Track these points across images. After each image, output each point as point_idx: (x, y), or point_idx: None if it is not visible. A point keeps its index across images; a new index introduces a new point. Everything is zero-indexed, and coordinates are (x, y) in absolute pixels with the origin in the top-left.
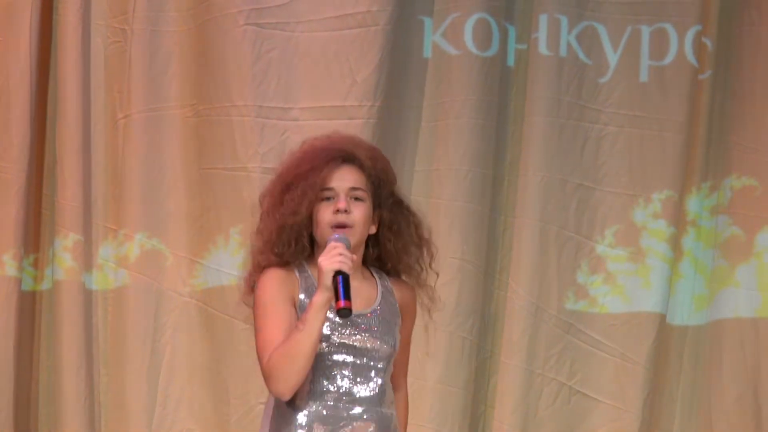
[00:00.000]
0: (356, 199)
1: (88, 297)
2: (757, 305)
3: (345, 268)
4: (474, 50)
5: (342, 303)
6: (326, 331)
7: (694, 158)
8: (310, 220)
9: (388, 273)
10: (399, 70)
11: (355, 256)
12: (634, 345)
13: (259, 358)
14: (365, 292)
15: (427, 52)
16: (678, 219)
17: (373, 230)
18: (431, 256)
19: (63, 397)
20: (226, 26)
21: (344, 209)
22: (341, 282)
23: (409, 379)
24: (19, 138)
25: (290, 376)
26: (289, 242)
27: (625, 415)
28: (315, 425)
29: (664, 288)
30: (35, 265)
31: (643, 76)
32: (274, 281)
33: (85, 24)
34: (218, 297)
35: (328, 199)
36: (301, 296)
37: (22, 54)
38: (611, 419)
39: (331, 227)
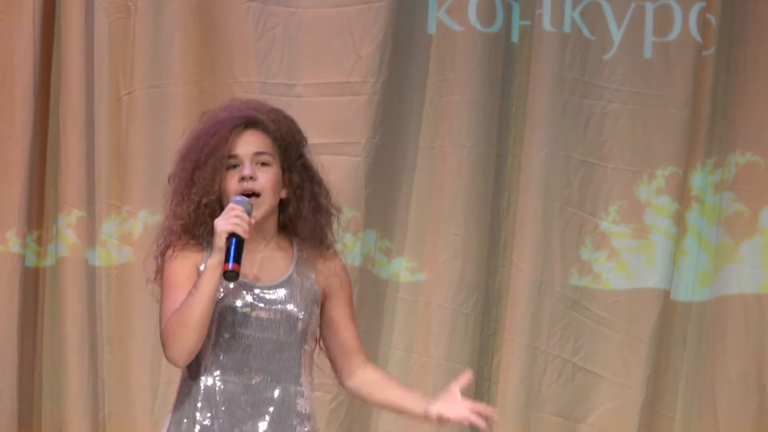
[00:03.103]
0: (263, 164)
1: (91, 274)
2: (761, 281)
3: (239, 231)
4: (478, 26)
5: (229, 265)
6: (231, 302)
7: (698, 134)
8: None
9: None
10: (403, 46)
11: (254, 220)
12: (638, 321)
13: (159, 330)
14: (277, 263)
15: (431, 28)
16: (682, 195)
17: (284, 194)
18: (331, 224)
19: (66, 374)
20: (229, 3)
21: (249, 176)
22: (234, 244)
23: (412, 356)
24: (23, 115)
25: (183, 341)
26: (206, 221)
27: (629, 391)
28: (215, 398)
29: (668, 264)
30: (39, 241)
31: (647, 53)
32: (177, 260)
33: (88, 0)
34: None
35: (234, 167)
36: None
37: (25, 31)
38: (615, 395)
39: (238, 195)
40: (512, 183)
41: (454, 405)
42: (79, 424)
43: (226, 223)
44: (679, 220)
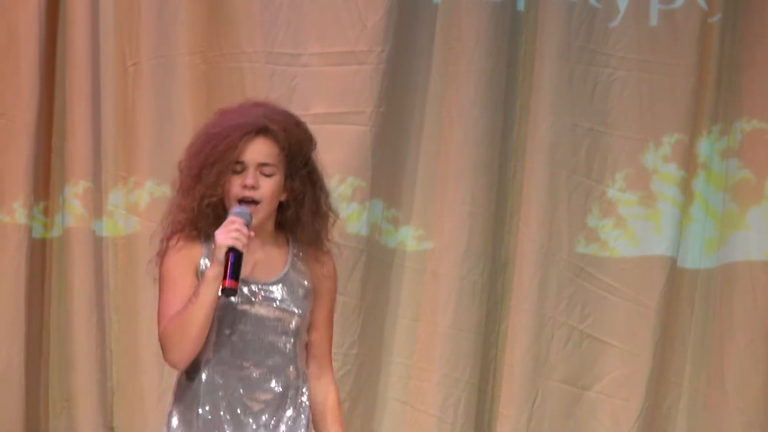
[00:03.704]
0: (266, 175)
1: (98, 244)
2: (767, 248)
3: (239, 245)
4: None
5: (227, 282)
6: (231, 299)
7: (704, 102)
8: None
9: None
10: (409, 15)
11: (252, 234)
12: (645, 288)
13: (158, 327)
14: (273, 260)
15: None
16: (688, 162)
17: (284, 198)
18: (327, 228)
19: (74, 344)
20: None
21: (251, 185)
22: (232, 260)
23: (419, 324)
24: (29, 86)
25: (182, 346)
26: (208, 217)
27: (636, 358)
28: (216, 392)
29: (674, 231)
30: (45, 212)
31: (653, 20)
32: (180, 253)
33: None
34: None
35: (239, 172)
36: (203, 261)
37: (30, 2)
38: (622, 363)
39: (238, 201)
40: (519, 151)
41: None
42: (87, 395)
43: (227, 237)
44: (686, 187)
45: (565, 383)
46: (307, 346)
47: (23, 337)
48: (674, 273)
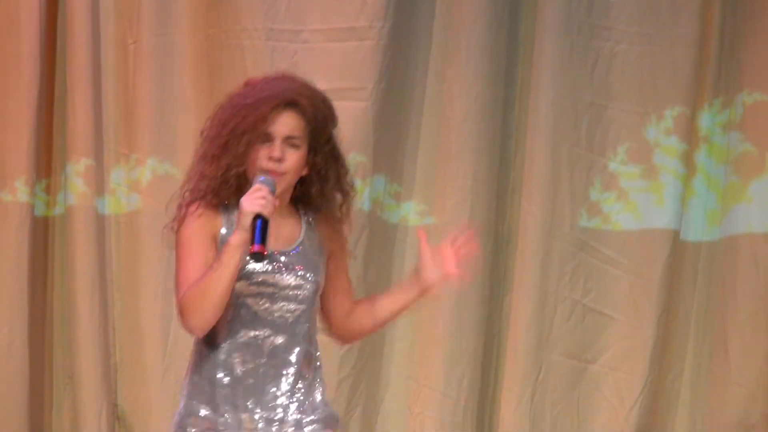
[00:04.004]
0: (292, 146)
1: (100, 222)
2: None
3: (265, 212)
4: None
5: (256, 247)
6: (249, 267)
7: (705, 74)
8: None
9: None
10: None
11: (278, 201)
12: (647, 262)
13: (176, 294)
14: (289, 230)
15: None
16: (690, 135)
17: (305, 172)
18: (349, 209)
19: (77, 321)
20: None
21: (278, 158)
22: (259, 225)
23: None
24: (30, 65)
25: (203, 313)
26: (231, 186)
27: (639, 332)
28: (234, 363)
29: (677, 204)
30: (47, 190)
31: None
32: (199, 220)
33: None
34: None
35: (265, 142)
36: (223, 231)
37: None
38: (625, 336)
39: (262, 171)
40: (520, 125)
41: (439, 264)
42: (91, 372)
43: (253, 204)
44: (688, 160)
45: (569, 357)
46: (324, 311)
47: (26, 315)
48: (676, 246)
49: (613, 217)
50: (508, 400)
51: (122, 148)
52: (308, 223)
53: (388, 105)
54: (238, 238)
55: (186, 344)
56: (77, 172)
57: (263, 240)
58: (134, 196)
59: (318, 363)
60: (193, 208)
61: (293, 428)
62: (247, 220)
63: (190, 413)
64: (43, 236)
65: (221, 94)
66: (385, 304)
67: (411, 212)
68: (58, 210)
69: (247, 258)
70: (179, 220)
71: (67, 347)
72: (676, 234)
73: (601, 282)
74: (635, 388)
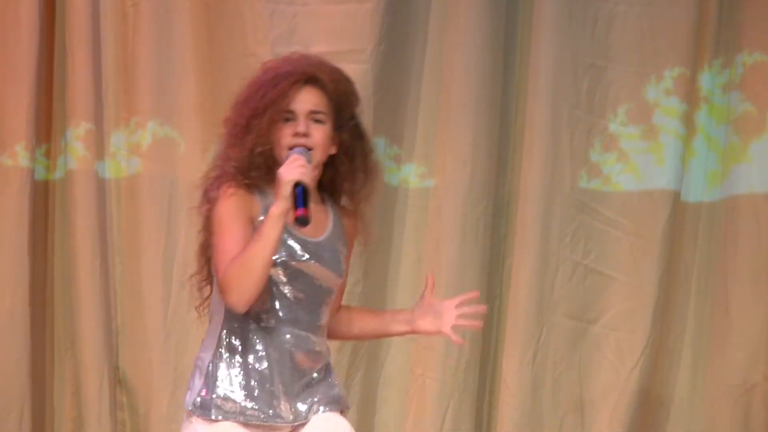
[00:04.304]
0: (317, 121)
1: (101, 185)
2: None
3: (305, 179)
4: None
5: (300, 211)
6: (281, 257)
7: (705, 35)
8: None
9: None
10: None
11: (316, 171)
12: (648, 222)
13: (216, 272)
14: (319, 218)
15: None
16: (690, 96)
17: (332, 151)
18: (372, 189)
19: (78, 286)
20: None
21: (303, 132)
22: (300, 192)
23: (423, 262)
24: (29, 29)
25: (246, 287)
26: (259, 167)
27: (641, 292)
28: (266, 348)
29: (677, 165)
30: (47, 155)
31: None
32: (233, 199)
33: None
34: None
35: (289, 120)
36: (261, 218)
37: None
38: (627, 297)
39: (290, 149)
40: (520, 88)
41: (439, 316)
42: (92, 336)
43: (292, 172)
44: (688, 120)
45: (570, 318)
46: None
47: (27, 280)
48: (677, 206)
49: (613, 178)
50: (509, 362)
51: (122, 112)
52: (336, 214)
53: (388, 67)
54: (279, 208)
55: (188, 308)
56: (77, 136)
57: (306, 203)
58: (134, 159)
59: (328, 361)
60: (225, 188)
61: (317, 414)
62: (287, 189)
63: (216, 395)
64: (44, 200)
65: (221, 57)
66: (372, 324)
67: (411, 174)
68: (58, 174)
69: (292, 223)
70: (212, 202)
71: (68, 311)
72: (676, 194)
73: (602, 243)
74: (636, 348)
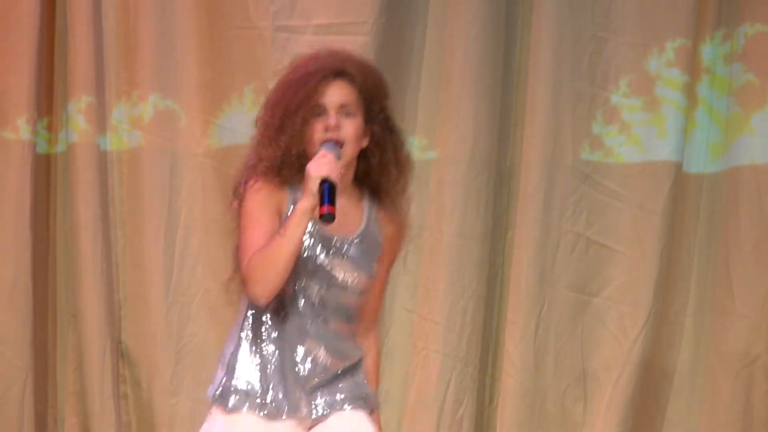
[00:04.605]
0: (347, 114)
1: (102, 159)
2: None
3: (332, 176)
4: None
5: (326, 208)
6: (311, 251)
7: (706, 6)
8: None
9: (376, 200)
10: None
11: (343, 168)
12: (650, 194)
13: (240, 263)
14: (351, 216)
15: None
16: (692, 67)
17: (365, 143)
18: (407, 181)
19: (80, 259)
20: None
21: (334, 126)
22: (327, 189)
23: (425, 233)
24: (31, 4)
25: (268, 279)
26: (292, 166)
27: (643, 264)
28: (287, 342)
29: (679, 136)
30: (49, 128)
31: None
32: (261, 193)
33: None
34: (233, 156)
35: (319, 115)
36: (290, 209)
37: None
38: (629, 269)
39: (322, 144)
40: (522, 59)
41: None
42: (94, 309)
43: (320, 168)
44: (690, 92)
45: (572, 290)
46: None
47: (29, 253)
48: (679, 178)
49: (615, 149)
50: (511, 334)
51: (123, 85)
52: (372, 214)
53: (389, 40)
54: (305, 204)
55: (190, 280)
56: (79, 110)
57: (332, 201)
58: (136, 132)
59: (358, 359)
60: (251, 182)
61: (338, 410)
62: (315, 185)
63: (234, 386)
64: (46, 174)
65: (222, 30)
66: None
67: (413, 147)
68: (60, 147)
69: (312, 232)
70: (240, 197)
71: (70, 285)
72: (678, 166)
73: (604, 215)
74: (639, 320)
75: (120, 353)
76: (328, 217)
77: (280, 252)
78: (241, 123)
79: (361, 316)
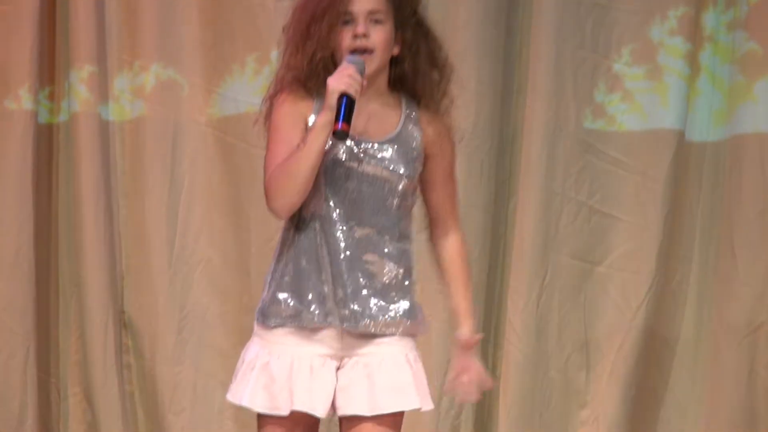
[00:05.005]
0: (376, 21)
1: (105, 128)
2: None
3: (351, 91)
4: None
5: (340, 125)
6: (339, 156)
7: None
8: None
9: (414, 105)
10: None
11: (366, 82)
12: (653, 162)
13: (264, 177)
14: (385, 119)
15: None
16: (694, 35)
17: (396, 51)
18: (448, 80)
19: (83, 229)
20: None
21: (363, 33)
22: (344, 104)
23: None
24: None
25: (286, 193)
26: (319, 75)
27: (646, 232)
28: (319, 252)
29: (682, 104)
30: (51, 98)
31: None
32: (285, 105)
33: None
34: (235, 125)
35: (348, 23)
36: (313, 116)
37: None
38: (632, 237)
39: (350, 52)
40: (524, 28)
41: (463, 382)
42: (97, 279)
43: (339, 82)
44: (692, 60)
45: (575, 258)
46: (430, 210)
47: (32, 223)
48: (682, 146)
49: (618, 118)
50: (514, 302)
51: (125, 55)
52: (409, 117)
53: None
54: (324, 118)
55: (192, 250)
56: (81, 79)
57: (347, 118)
58: (138, 102)
59: (409, 263)
60: (279, 97)
61: (377, 322)
62: (333, 99)
63: (273, 301)
64: (48, 143)
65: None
66: (450, 296)
67: None
68: (62, 117)
69: (330, 140)
70: (267, 114)
71: (72, 254)
72: (681, 134)
73: (607, 183)
74: (642, 288)
75: (123, 323)
76: (341, 134)
77: (298, 166)
78: (242, 92)
79: (433, 219)
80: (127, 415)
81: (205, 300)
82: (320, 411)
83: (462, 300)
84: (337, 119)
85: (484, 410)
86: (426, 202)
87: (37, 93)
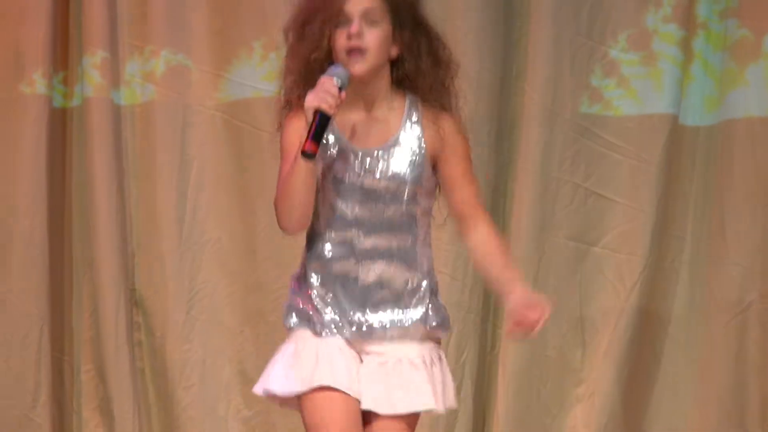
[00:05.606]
0: (372, 22)
1: (116, 113)
2: (767, 104)
3: (325, 107)
4: None
5: (306, 145)
6: (340, 172)
7: None
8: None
9: (417, 104)
10: None
11: (344, 94)
12: (647, 146)
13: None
14: (386, 124)
15: None
16: (688, 23)
17: (395, 52)
18: (453, 78)
19: (95, 211)
20: None
21: (356, 33)
22: (317, 121)
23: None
24: None
25: (287, 212)
26: (315, 78)
27: (640, 214)
28: (330, 263)
29: (675, 90)
30: (64, 82)
31: None
32: (293, 123)
33: None
34: (243, 109)
35: (344, 23)
36: None
37: None
38: (626, 218)
39: (345, 52)
40: (523, 14)
41: (525, 316)
42: (109, 259)
43: (314, 97)
44: (686, 47)
45: (571, 240)
46: (454, 209)
47: (45, 204)
48: (675, 130)
49: (613, 102)
50: None
51: (136, 41)
52: (410, 119)
53: None
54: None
55: (201, 230)
56: (93, 65)
57: (316, 137)
58: (149, 87)
59: (424, 267)
60: (285, 113)
61: (390, 331)
62: (309, 115)
63: (291, 306)
64: (61, 127)
65: None
66: (490, 270)
67: None
68: (75, 101)
69: (335, 152)
70: (279, 125)
71: (85, 235)
72: (674, 118)
73: (602, 166)
74: (636, 268)
75: (134, 301)
76: (307, 155)
77: (290, 185)
78: (249, 77)
79: (460, 215)
80: (138, 390)
81: (213, 279)
82: (345, 386)
83: (504, 269)
84: (307, 137)
85: (483, 387)
86: (448, 202)
87: (51, 78)
